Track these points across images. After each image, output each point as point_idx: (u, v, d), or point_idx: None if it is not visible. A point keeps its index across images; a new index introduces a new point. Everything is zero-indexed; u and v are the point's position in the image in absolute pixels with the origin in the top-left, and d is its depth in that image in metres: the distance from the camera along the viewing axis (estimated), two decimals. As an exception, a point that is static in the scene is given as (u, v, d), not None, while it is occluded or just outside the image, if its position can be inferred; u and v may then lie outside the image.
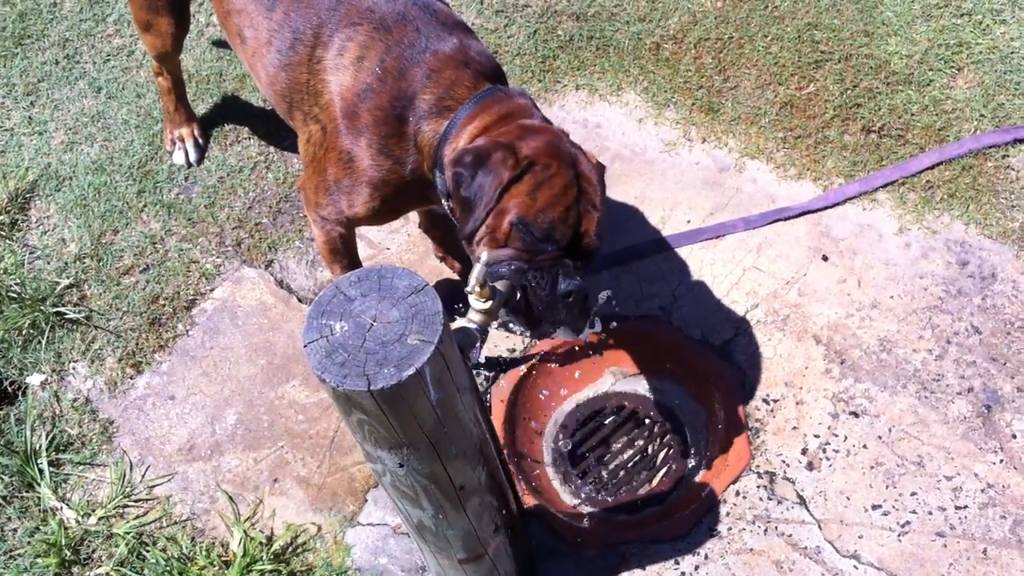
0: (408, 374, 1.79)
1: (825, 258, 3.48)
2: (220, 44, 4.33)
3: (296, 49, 2.76)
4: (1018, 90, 3.81)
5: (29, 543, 3.08)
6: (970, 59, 3.93)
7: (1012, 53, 3.92)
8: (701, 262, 3.52)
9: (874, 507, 2.96)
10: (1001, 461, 3.01)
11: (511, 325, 2.50)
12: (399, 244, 3.66)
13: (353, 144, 2.65)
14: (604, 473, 3.20)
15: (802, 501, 2.99)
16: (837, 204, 3.60)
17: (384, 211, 2.79)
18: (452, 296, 3.29)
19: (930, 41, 4.00)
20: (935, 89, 3.86)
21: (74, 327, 3.52)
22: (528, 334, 2.54)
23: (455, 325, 2.22)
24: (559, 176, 2.39)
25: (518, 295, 2.39)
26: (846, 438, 3.09)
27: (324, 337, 1.84)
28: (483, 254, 2.36)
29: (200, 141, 3.96)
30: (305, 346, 1.84)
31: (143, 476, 3.22)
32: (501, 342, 3.38)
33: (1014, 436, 3.05)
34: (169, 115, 3.91)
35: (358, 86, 2.63)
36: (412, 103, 2.58)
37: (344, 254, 3.00)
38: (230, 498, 3.14)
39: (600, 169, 2.55)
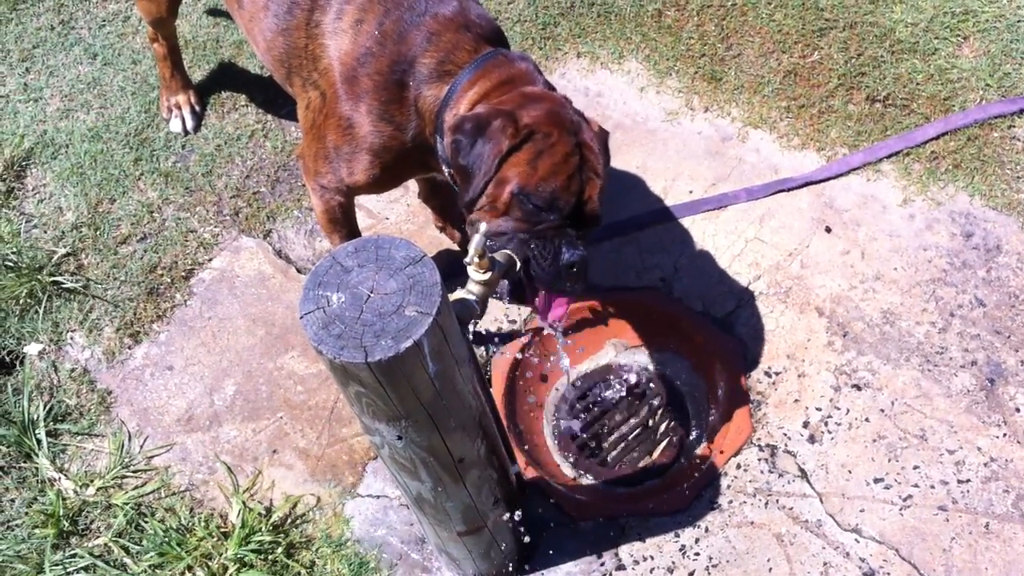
0: (406, 346, 1.77)
1: (828, 229, 3.44)
2: (217, 11, 4.27)
3: (293, 13, 2.72)
4: (1026, 59, 3.77)
5: (27, 513, 3.07)
6: (976, 28, 3.88)
7: (1019, 22, 3.86)
8: (703, 233, 3.49)
9: (876, 480, 2.95)
10: (1004, 435, 2.99)
11: (508, 295, 2.48)
12: (398, 214, 3.63)
13: (353, 110, 2.61)
14: (604, 445, 3.19)
15: (803, 474, 2.98)
16: (841, 175, 3.56)
17: (385, 179, 2.75)
18: (451, 266, 3.26)
19: (936, 9, 3.95)
20: (940, 58, 3.81)
21: (71, 297, 3.49)
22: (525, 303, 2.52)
23: (454, 296, 2.19)
24: (560, 144, 2.35)
25: (519, 265, 2.36)
26: (848, 411, 3.07)
27: (321, 308, 1.82)
28: (482, 225, 2.33)
29: (197, 108, 3.92)
30: (302, 317, 1.82)
31: (141, 447, 3.21)
32: (501, 314, 3.35)
33: (1017, 410, 3.03)
34: (165, 82, 3.87)
35: (357, 50, 2.59)
36: (412, 67, 2.54)
37: (343, 223, 2.96)
38: (229, 469, 3.13)
39: (603, 136, 2.51)
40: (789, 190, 3.54)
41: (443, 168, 2.60)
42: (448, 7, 2.57)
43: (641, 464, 3.15)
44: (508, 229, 2.38)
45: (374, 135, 2.61)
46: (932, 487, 2.93)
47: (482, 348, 3.30)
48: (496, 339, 3.30)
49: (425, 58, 2.53)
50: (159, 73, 3.88)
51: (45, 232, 3.66)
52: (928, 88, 3.73)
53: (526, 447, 3.14)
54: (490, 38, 2.60)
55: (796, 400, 3.12)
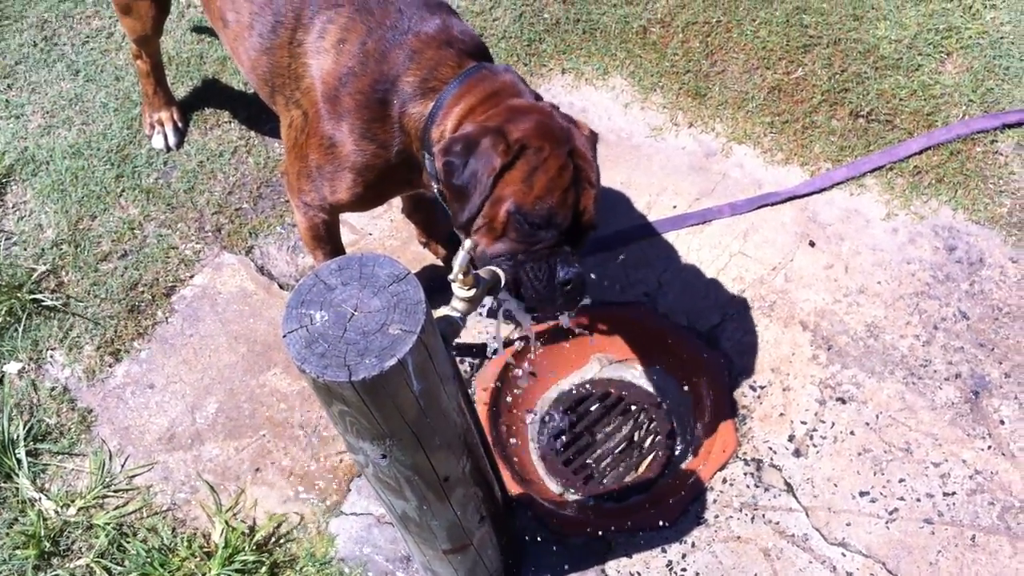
0: (390, 364, 1.75)
1: (812, 244, 3.45)
2: (201, 28, 4.26)
3: (277, 32, 2.71)
4: (1007, 75, 3.79)
5: (8, 534, 3.03)
6: (959, 44, 3.90)
7: (1002, 38, 3.89)
8: (687, 248, 3.49)
9: (862, 494, 2.94)
10: (989, 447, 3.00)
11: (511, 312, 2.47)
12: (381, 230, 3.62)
13: (335, 129, 2.60)
14: (590, 461, 3.18)
15: (789, 488, 2.97)
16: (824, 189, 3.57)
17: (368, 197, 2.74)
18: (434, 281, 3.24)
19: (919, 26, 3.97)
20: (924, 74, 3.84)
21: (51, 314, 3.46)
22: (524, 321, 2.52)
23: (438, 313, 2.18)
24: (553, 158, 2.34)
25: (503, 282, 2.35)
26: (833, 424, 3.07)
27: (304, 327, 1.80)
28: (466, 242, 2.31)
29: (180, 125, 3.90)
30: (285, 336, 1.80)
31: (123, 466, 3.18)
32: (486, 330, 3.34)
33: (1002, 422, 3.04)
34: (148, 98, 3.85)
35: (339, 70, 2.58)
36: (395, 86, 2.53)
37: (327, 240, 2.95)
38: (211, 488, 3.10)
39: (593, 139, 2.50)
40: (773, 205, 3.55)
41: (431, 185, 2.59)
42: (430, 25, 2.57)
43: (627, 479, 3.14)
44: (505, 251, 2.37)
45: (356, 154, 2.60)
46: (918, 500, 2.92)
47: (465, 364, 3.28)
48: (475, 350, 3.27)
49: (408, 76, 2.52)
50: (142, 89, 3.86)
51: (25, 249, 3.63)
52: (911, 104, 3.75)
53: (512, 463, 3.12)
54: (473, 53, 2.60)
55: (781, 414, 3.11)
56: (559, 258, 2.36)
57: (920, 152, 3.62)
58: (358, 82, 2.55)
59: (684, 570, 2.86)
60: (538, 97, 2.54)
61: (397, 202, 3.52)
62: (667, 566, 2.87)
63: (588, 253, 3.45)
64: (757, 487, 2.99)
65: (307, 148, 2.69)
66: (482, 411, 3.16)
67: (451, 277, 2.15)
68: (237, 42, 2.87)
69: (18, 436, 3.20)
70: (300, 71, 2.68)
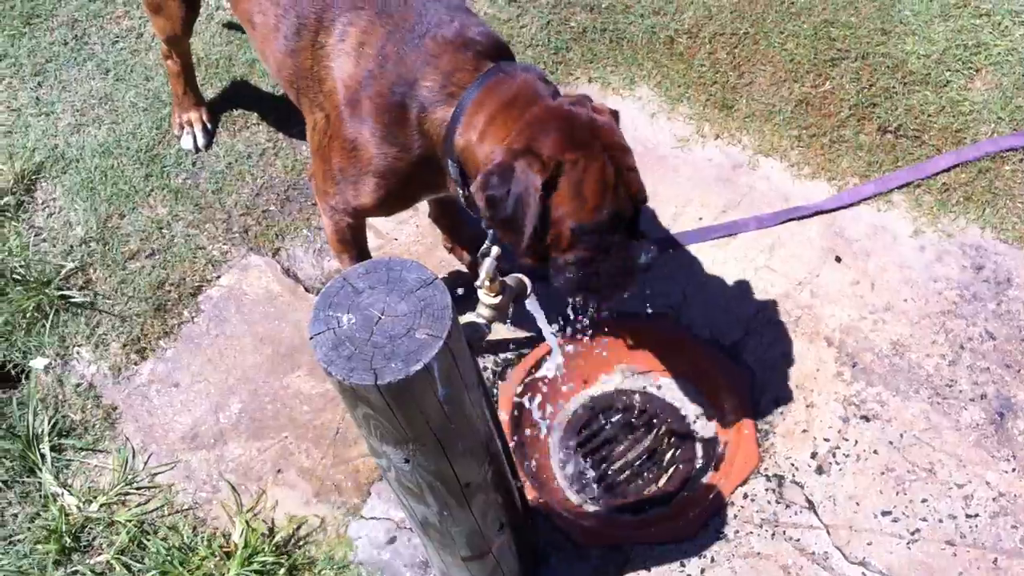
0: (416, 369, 1.76)
1: (838, 259, 3.43)
2: (231, 26, 4.29)
3: (301, 35, 2.73)
4: (1038, 93, 3.76)
5: (29, 529, 3.06)
6: (988, 61, 3.88)
7: (1032, 55, 3.87)
8: (712, 260, 3.48)
9: (884, 513, 2.92)
10: (1013, 470, 2.97)
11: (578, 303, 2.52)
12: (407, 234, 3.63)
13: (356, 132, 2.60)
14: (610, 472, 3.17)
15: (811, 505, 2.96)
16: (851, 205, 3.56)
17: (392, 201, 2.75)
18: (460, 286, 3.25)
19: (948, 41, 3.95)
20: (952, 90, 3.82)
21: (79, 311, 3.49)
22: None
23: (464, 319, 2.18)
24: (592, 166, 2.33)
25: (529, 289, 2.35)
26: (856, 443, 3.05)
27: (331, 329, 1.81)
28: (493, 248, 2.32)
29: (209, 126, 3.93)
30: (311, 338, 1.81)
31: (145, 463, 3.20)
32: (508, 335, 3.35)
33: (1027, 444, 3.02)
34: (178, 99, 3.88)
35: (360, 73, 2.59)
36: (413, 89, 2.52)
37: (353, 245, 2.96)
38: (233, 488, 3.11)
39: (615, 117, 2.49)
40: (799, 219, 3.54)
41: (455, 189, 2.59)
42: (449, 28, 2.56)
43: (647, 491, 3.13)
44: (581, 258, 2.40)
45: (378, 157, 2.60)
46: (940, 521, 2.90)
47: (488, 371, 3.28)
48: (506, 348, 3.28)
49: (427, 80, 2.51)
50: (171, 90, 3.90)
51: (54, 246, 3.66)
52: (940, 120, 3.73)
53: (532, 472, 3.12)
54: (491, 54, 2.57)
55: (804, 430, 3.10)
56: (630, 247, 2.41)
57: (948, 169, 3.60)
58: (377, 85, 2.55)
59: (703, 584, 2.85)
60: (556, 92, 2.52)
61: (423, 207, 3.53)
62: (685, 579, 2.86)
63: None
64: (778, 503, 2.97)
65: (330, 151, 2.70)
66: (504, 418, 3.16)
67: (477, 284, 2.16)
68: (265, 44, 2.89)
69: (43, 431, 3.22)
70: (322, 74, 2.69)
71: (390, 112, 2.56)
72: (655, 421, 3.24)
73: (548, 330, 2.51)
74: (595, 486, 3.14)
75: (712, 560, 2.89)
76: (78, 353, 3.42)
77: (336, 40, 2.64)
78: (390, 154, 2.60)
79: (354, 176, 2.67)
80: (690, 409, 3.25)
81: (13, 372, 3.39)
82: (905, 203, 3.55)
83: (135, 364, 3.39)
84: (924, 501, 2.93)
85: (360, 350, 1.78)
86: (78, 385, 3.35)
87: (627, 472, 3.16)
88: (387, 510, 3.05)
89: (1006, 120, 3.71)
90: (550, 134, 2.36)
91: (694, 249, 3.51)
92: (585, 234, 2.34)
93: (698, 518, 2.96)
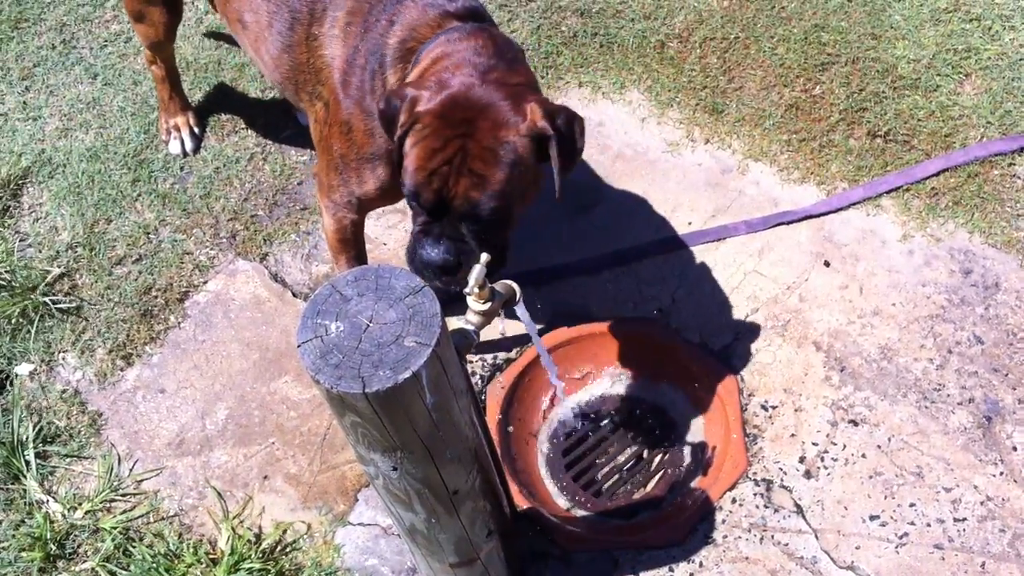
0: (404, 377, 1.75)
1: (827, 263, 3.44)
2: (217, 35, 4.27)
3: (295, 29, 2.75)
4: (1025, 98, 3.77)
5: (14, 536, 3.03)
6: (978, 65, 3.89)
7: (1021, 60, 3.88)
8: (701, 265, 3.47)
9: (872, 518, 2.92)
10: (1001, 474, 2.97)
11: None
12: (396, 240, 3.61)
13: (350, 113, 2.62)
14: (598, 477, 3.16)
15: (799, 510, 2.95)
16: (840, 209, 3.56)
17: (395, 186, 2.69)
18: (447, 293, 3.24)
19: (938, 46, 3.96)
20: (942, 95, 3.82)
21: (64, 317, 3.47)
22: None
23: (452, 326, 2.17)
24: (431, 138, 2.31)
25: (518, 295, 2.34)
26: (845, 447, 3.05)
27: (319, 337, 1.80)
28: (483, 255, 2.31)
29: (196, 130, 3.91)
30: (299, 346, 1.80)
31: (131, 470, 3.18)
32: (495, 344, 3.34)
33: (1014, 448, 3.02)
34: (164, 104, 3.86)
35: (347, 51, 2.61)
36: (383, 52, 2.54)
37: (353, 244, 2.96)
38: (219, 494, 3.10)
39: (570, 126, 2.38)
40: (789, 223, 3.54)
41: None
42: None
43: (635, 496, 3.12)
44: (413, 217, 2.47)
45: (369, 134, 2.61)
46: (928, 525, 2.90)
47: (477, 377, 3.27)
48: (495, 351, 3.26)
49: (391, 39, 2.52)
50: (157, 95, 3.88)
51: (40, 251, 3.63)
52: (929, 124, 3.74)
53: (520, 478, 3.11)
54: (461, 15, 2.55)
55: (792, 435, 3.10)
56: (430, 237, 2.39)
57: (937, 174, 3.61)
58: (360, 58, 2.57)
59: (692, 589, 2.84)
60: (513, 59, 2.48)
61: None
62: (675, 585, 2.86)
63: (601, 267, 3.45)
64: (767, 508, 2.97)
65: (331, 139, 2.70)
66: (492, 424, 3.15)
67: (466, 290, 2.15)
68: (258, 43, 2.88)
69: (27, 438, 3.20)
70: (318, 64, 2.70)
71: (372, 81, 2.57)
72: (643, 426, 3.24)
73: (537, 336, 2.50)
74: (583, 491, 3.13)
75: (700, 565, 2.88)
76: (63, 359, 3.40)
77: (328, 28, 2.66)
78: (379, 131, 2.57)
79: (355, 162, 2.67)
80: (678, 413, 3.25)
81: (-2, 378, 3.37)
82: (894, 208, 3.55)
83: (121, 370, 3.37)
84: (912, 505, 2.93)
85: (348, 358, 1.77)
86: (63, 391, 3.33)
87: (615, 477, 3.16)
88: (374, 516, 3.03)
89: (995, 125, 3.72)
90: (444, 92, 2.33)
91: (684, 253, 3.50)
92: (406, 191, 2.38)
93: (686, 523, 2.96)
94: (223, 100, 4.06)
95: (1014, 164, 3.61)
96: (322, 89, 2.72)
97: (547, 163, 2.40)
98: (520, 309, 2.37)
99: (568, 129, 2.38)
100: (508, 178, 2.34)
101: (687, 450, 3.18)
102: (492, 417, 3.17)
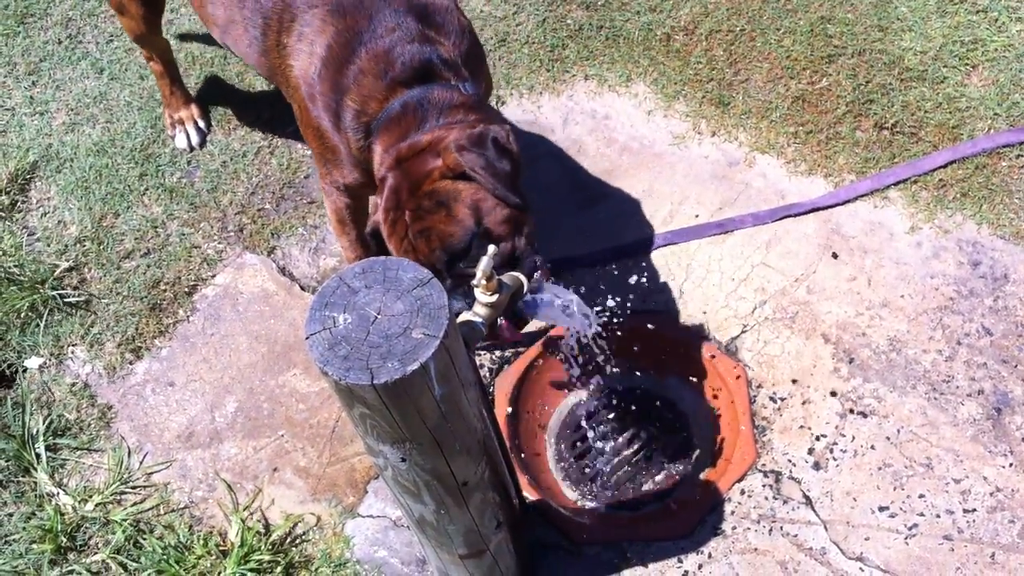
0: (412, 368, 1.75)
1: (835, 256, 3.43)
2: (185, 36, 4.27)
3: (267, 35, 2.82)
4: (1034, 88, 3.76)
5: (25, 528, 3.05)
6: (985, 57, 3.88)
7: (1028, 51, 3.86)
8: (709, 257, 3.47)
9: (881, 509, 2.92)
10: (1011, 464, 2.97)
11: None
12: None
13: (319, 121, 2.71)
14: (607, 469, 3.17)
15: (808, 501, 2.96)
16: (848, 201, 3.55)
17: (371, 181, 2.77)
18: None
19: (945, 38, 3.95)
20: (949, 86, 3.81)
21: (73, 311, 3.48)
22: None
23: (460, 318, 2.18)
24: (389, 226, 2.48)
25: (526, 287, 2.35)
26: (854, 438, 3.05)
27: (327, 329, 1.80)
28: (491, 247, 2.31)
29: (201, 124, 3.91)
30: (307, 338, 1.80)
31: (141, 463, 3.19)
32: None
33: (1024, 440, 3.02)
34: (166, 99, 3.87)
35: (309, 71, 2.68)
36: (341, 103, 2.63)
37: (351, 225, 3.03)
38: (229, 487, 3.11)
39: (444, 172, 2.43)
40: (796, 216, 3.53)
41: None
42: (382, 42, 2.60)
43: (644, 488, 3.12)
44: None
45: (339, 140, 2.71)
46: (938, 516, 2.90)
47: (485, 369, 3.28)
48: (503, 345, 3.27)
49: (349, 100, 2.61)
50: (160, 90, 3.88)
51: (48, 246, 3.64)
52: (936, 116, 3.73)
53: (529, 469, 3.11)
54: (407, 80, 2.58)
55: (801, 426, 3.10)
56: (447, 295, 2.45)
57: (945, 165, 3.59)
58: (322, 84, 2.65)
59: (700, 581, 2.85)
60: (448, 108, 2.54)
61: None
62: (683, 576, 2.86)
63: (609, 261, 3.45)
64: (775, 499, 2.97)
65: (308, 138, 2.82)
66: (501, 416, 3.16)
67: (474, 282, 2.15)
68: (238, 45, 2.97)
69: (38, 431, 3.21)
70: (287, 72, 2.78)
71: (332, 111, 2.67)
72: (652, 418, 3.24)
73: (571, 295, 2.52)
74: (592, 483, 3.14)
75: (709, 556, 2.89)
76: (73, 352, 3.41)
77: (295, 40, 2.73)
78: (344, 140, 2.70)
79: (332, 159, 2.78)
80: (687, 405, 3.25)
81: (8, 372, 3.38)
82: (902, 199, 3.55)
83: (130, 363, 3.38)
84: (921, 496, 2.93)
85: (356, 350, 1.77)
86: (73, 384, 3.34)
87: (624, 469, 3.16)
88: (384, 508, 3.04)
89: (1003, 116, 3.70)
90: (383, 193, 2.50)
91: (691, 246, 3.50)
92: None
93: (695, 514, 2.96)
94: (229, 94, 4.07)
95: (1022, 155, 3.60)
96: (293, 93, 2.80)
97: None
98: (548, 286, 2.41)
99: (494, 149, 2.43)
100: (452, 215, 2.40)
101: (696, 442, 3.19)
102: (501, 409, 3.18)
